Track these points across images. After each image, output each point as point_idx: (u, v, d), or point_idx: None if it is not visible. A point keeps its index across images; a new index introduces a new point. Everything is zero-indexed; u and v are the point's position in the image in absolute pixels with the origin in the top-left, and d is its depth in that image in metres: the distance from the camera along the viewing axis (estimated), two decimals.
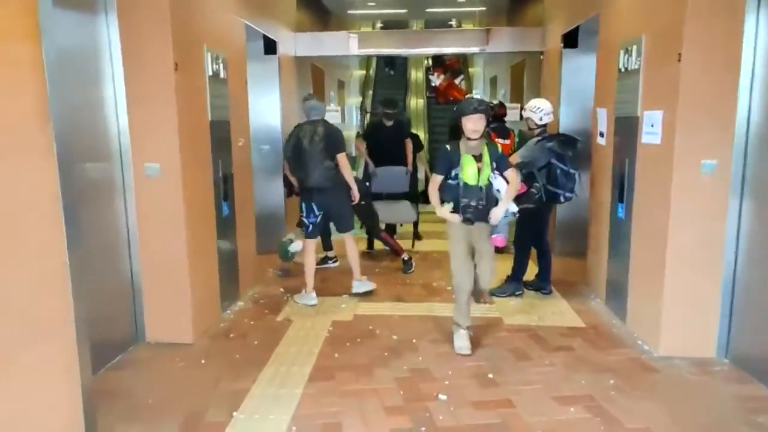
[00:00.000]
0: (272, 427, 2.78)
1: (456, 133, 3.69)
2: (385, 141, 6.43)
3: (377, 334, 3.99)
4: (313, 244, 4.75)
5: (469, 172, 3.51)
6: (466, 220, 3.56)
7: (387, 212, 6.18)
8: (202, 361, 3.53)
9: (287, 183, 5.45)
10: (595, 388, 3.20)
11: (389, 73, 15.40)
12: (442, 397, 3.11)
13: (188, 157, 3.69)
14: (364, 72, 14.68)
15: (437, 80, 15.78)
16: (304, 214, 4.69)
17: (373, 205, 5.82)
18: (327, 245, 5.89)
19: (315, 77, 8.34)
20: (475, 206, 3.53)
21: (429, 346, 3.81)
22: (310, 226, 4.67)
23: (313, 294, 4.67)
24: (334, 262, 5.90)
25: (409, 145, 6.56)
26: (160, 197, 3.59)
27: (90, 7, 3.33)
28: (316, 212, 4.64)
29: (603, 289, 4.60)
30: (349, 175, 4.66)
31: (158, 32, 3.44)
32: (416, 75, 15.73)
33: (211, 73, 4.09)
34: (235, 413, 2.90)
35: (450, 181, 3.59)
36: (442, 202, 3.65)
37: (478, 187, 3.53)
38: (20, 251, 2.09)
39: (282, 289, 5.04)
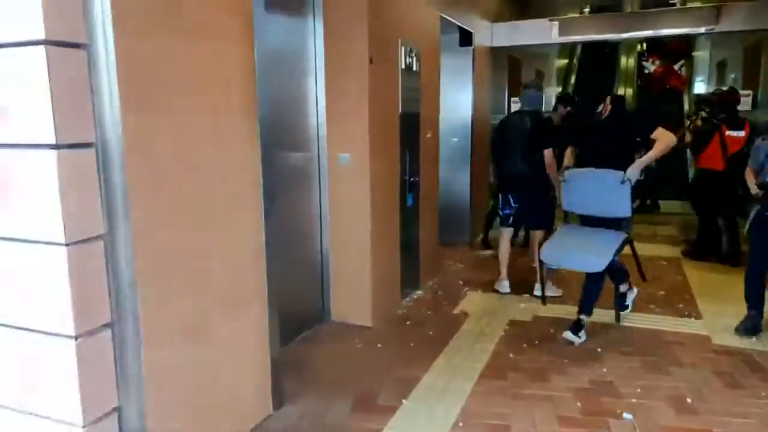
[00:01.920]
0: (439, 420, 2.79)
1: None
2: (601, 143, 3.85)
3: (557, 339, 3.76)
4: (508, 233, 4.79)
5: None
6: None
7: (561, 246, 3.81)
8: (379, 345, 3.68)
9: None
10: None
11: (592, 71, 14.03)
12: (627, 416, 2.81)
13: (377, 148, 3.86)
14: (566, 61, 13.88)
15: (651, 66, 14.24)
16: (500, 205, 4.73)
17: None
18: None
19: (511, 68, 8.12)
20: None
21: (616, 357, 3.48)
22: (505, 217, 4.72)
23: (505, 282, 4.72)
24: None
25: (663, 140, 3.62)
26: (349, 185, 3.82)
27: (301, 10, 3.66)
28: (512, 204, 4.63)
29: None
30: (553, 172, 4.41)
31: (356, 29, 3.65)
32: (627, 61, 14.39)
33: (403, 67, 4.21)
34: (404, 400, 2.97)
35: None
36: None
37: None
38: (226, 230, 2.39)
39: (461, 282, 5.03)
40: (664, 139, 3.64)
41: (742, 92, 6.53)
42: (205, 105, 2.24)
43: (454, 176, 6.22)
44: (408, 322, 4.08)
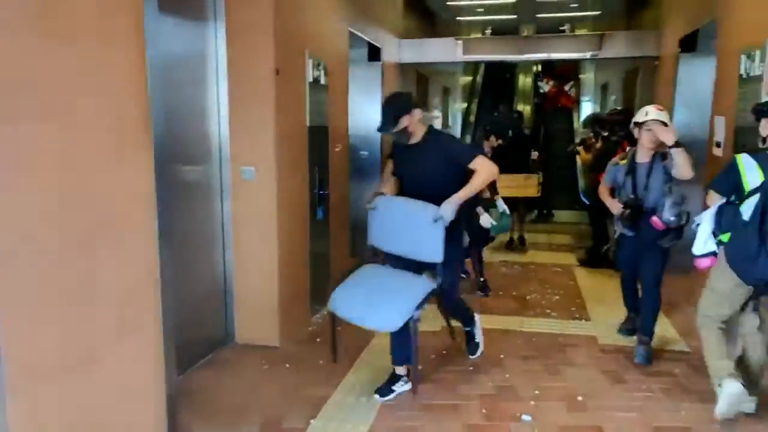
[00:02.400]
0: None
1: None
2: (418, 172, 3.21)
3: (464, 348, 3.87)
4: None
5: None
6: None
7: (353, 293, 3.15)
8: (287, 365, 3.59)
9: None
10: (696, 421, 2.92)
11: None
12: (526, 418, 2.95)
13: (284, 161, 3.80)
14: (470, 78, 14.49)
15: (546, 86, 15.22)
16: None
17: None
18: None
19: (419, 84, 8.36)
20: None
21: (517, 362, 3.64)
22: None
23: None
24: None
25: (482, 172, 3.08)
26: (254, 200, 3.73)
27: (200, 15, 3.54)
28: None
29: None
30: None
31: (261, 39, 3.59)
32: (524, 81, 15.29)
33: (311, 80, 4.20)
34: (312, 420, 2.91)
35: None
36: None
37: None
38: (113, 251, 2.20)
39: None
40: (485, 168, 3.09)
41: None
42: (87, 114, 2.06)
43: (364, 189, 6.26)
44: (318, 340, 4.03)
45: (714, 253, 2.88)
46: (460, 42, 7.60)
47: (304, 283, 4.28)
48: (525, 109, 14.06)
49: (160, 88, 2.46)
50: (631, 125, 3.76)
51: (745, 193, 2.71)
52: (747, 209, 2.68)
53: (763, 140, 2.87)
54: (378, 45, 6.08)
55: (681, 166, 3.37)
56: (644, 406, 3.08)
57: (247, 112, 3.67)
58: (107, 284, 2.19)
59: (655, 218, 3.48)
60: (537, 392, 3.23)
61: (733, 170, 2.77)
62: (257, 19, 3.58)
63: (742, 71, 3.80)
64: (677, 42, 5.55)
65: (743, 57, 3.78)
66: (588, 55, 7.55)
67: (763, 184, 2.65)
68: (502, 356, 3.73)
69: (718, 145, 4.20)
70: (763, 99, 3.44)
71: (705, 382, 3.29)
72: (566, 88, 15.09)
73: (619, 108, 7.01)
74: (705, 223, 2.88)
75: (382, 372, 3.44)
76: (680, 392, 3.24)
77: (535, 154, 6.86)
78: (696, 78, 5.27)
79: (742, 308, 2.87)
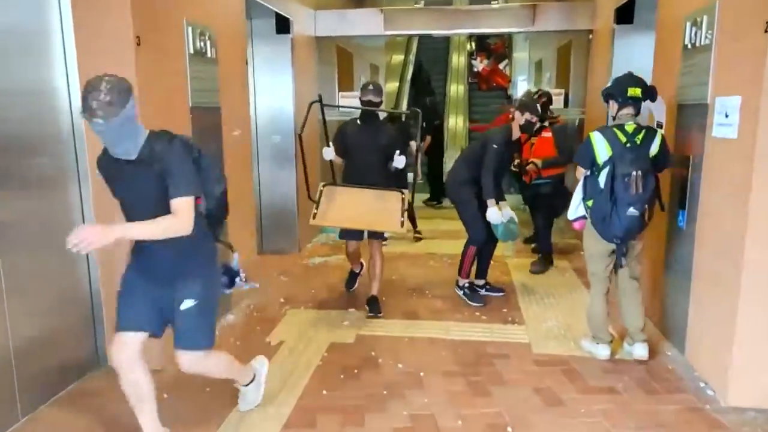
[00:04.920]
0: None
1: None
2: None
3: (379, 363, 3.36)
4: None
5: None
6: None
7: None
8: (165, 396, 2.95)
9: None
10: None
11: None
12: None
13: None
14: (402, 56, 13.87)
15: (480, 65, 14.83)
16: None
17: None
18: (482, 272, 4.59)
19: (342, 61, 7.70)
20: None
21: (439, 382, 3.15)
22: None
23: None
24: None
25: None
26: None
27: None
28: None
29: (657, 308, 3.81)
30: None
31: (114, 2, 2.89)
32: (458, 60, 14.82)
33: (192, 51, 3.52)
34: None
35: None
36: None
37: None
38: None
39: (282, 299, 4.46)
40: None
41: (556, 91, 6.77)
42: None
43: (278, 178, 5.63)
44: None
45: (584, 217, 3.31)
46: (383, 14, 6.98)
47: None
48: (459, 89, 13.65)
49: None
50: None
51: (599, 165, 3.13)
52: (602, 179, 3.11)
53: (613, 118, 3.20)
54: (286, 15, 5.38)
55: None
56: None
57: None
58: None
59: None
60: (460, 422, 2.73)
61: (588, 146, 3.17)
62: None
63: (687, 41, 3.40)
64: (612, 13, 5.18)
65: (688, 24, 3.37)
66: (521, 28, 7.12)
67: (611, 157, 3.07)
68: (422, 374, 3.23)
69: (659, 126, 3.81)
70: (710, 71, 3.08)
71: (651, 399, 2.93)
72: (501, 66, 14.78)
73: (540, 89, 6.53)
74: (576, 192, 3.33)
75: (278, 402, 2.89)
76: (624, 414, 2.80)
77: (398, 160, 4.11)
78: (634, 52, 4.91)
79: (616, 270, 3.33)
